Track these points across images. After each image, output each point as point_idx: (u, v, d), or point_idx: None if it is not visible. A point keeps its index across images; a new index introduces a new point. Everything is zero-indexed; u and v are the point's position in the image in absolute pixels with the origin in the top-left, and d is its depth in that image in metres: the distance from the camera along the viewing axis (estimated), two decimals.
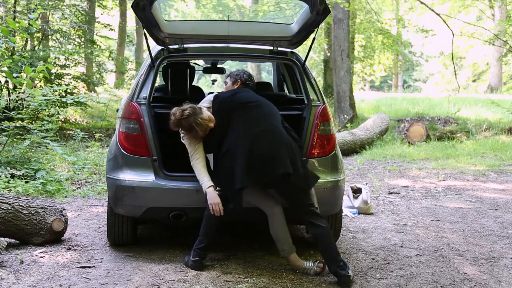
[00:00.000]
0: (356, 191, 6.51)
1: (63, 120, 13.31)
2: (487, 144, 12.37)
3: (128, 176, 4.33)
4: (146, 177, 4.32)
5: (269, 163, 3.99)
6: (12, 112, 8.32)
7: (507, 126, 14.31)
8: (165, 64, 5.21)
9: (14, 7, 11.59)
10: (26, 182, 6.97)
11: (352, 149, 11.79)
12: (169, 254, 4.56)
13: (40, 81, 12.37)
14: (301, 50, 5.68)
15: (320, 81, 22.18)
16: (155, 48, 4.95)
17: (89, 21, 15.86)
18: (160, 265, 4.28)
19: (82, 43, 14.79)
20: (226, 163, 4.06)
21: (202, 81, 37.74)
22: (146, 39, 4.61)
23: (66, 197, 6.87)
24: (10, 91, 10.27)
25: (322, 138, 4.54)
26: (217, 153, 4.21)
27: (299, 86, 5.04)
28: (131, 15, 23.70)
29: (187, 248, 4.40)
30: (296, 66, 4.82)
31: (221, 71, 6.80)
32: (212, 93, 4.73)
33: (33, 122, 8.68)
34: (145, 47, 10.41)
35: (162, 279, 3.97)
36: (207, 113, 4.18)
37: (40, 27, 11.83)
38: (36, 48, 12.70)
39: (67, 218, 4.93)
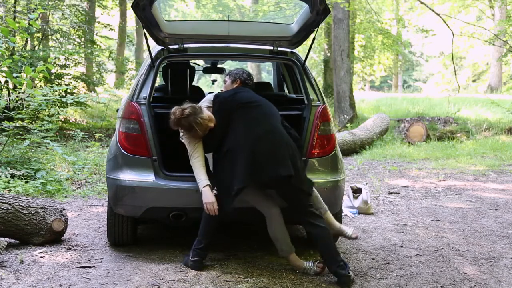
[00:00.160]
0: (356, 191, 6.51)
1: (63, 120, 13.32)
2: (487, 144, 12.37)
3: (128, 176, 4.33)
4: (146, 177, 4.32)
5: (271, 164, 3.99)
6: (12, 112, 8.33)
7: (507, 126, 14.31)
8: (165, 64, 5.21)
9: (14, 7, 11.59)
10: (26, 182, 6.97)
11: (352, 149, 11.79)
12: (169, 254, 4.56)
13: (40, 81, 12.37)
14: (301, 50, 5.68)
15: (320, 81, 22.19)
16: (155, 48, 4.95)
17: (89, 21, 15.86)
18: (160, 265, 4.28)
19: (82, 43, 14.79)
20: (226, 164, 4.06)
21: (202, 81, 37.74)
22: (146, 39, 4.61)
23: (66, 197, 6.87)
24: (10, 91, 10.27)
25: (322, 138, 4.54)
26: (217, 153, 4.21)
27: (299, 86, 5.04)
28: (131, 15, 23.71)
29: (187, 248, 4.40)
30: (296, 66, 4.82)
31: (221, 71, 6.80)
32: (212, 93, 4.73)
33: (33, 122, 8.68)
34: (145, 47, 10.42)
35: (162, 279, 3.97)
36: (207, 113, 4.18)
37: (40, 27, 11.83)
38: (36, 48, 12.70)
39: (67, 218, 4.94)
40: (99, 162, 8.84)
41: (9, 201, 4.68)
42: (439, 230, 5.72)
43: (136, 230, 4.80)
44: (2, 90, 10.29)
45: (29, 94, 8.14)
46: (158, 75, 4.83)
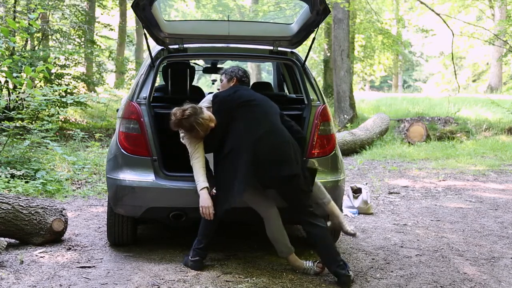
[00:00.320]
0: (356, 191, 6.51)
1: (63, 120, 13.32)
2: (487, 144, 12.37)
3: (128, 176, 4.33)
4: (146, 177, 4.32)
5: (273, 164, 3.99)
6: (12, 112, 8.33)
7: (507, 126, 14.31)
8: (165, 64, 5.21)
9: (14, 7, 11.59)
10: (26, 182, 6.97)
11: (352, 149, 11.79)
12: (169, 254, 4.56)
13: (40, 81, 12.37)
14: (301, 50, 5.68)
15: (320, 81, 22.18)
16: (155, 48, 4.94)
17: (89, 21, 15.86)
18: (160, 265, 4.28)
19: (82, 43, 14.79)
20: (227, 164, 4.05)
21: (202, 81, 37.73)
22: (146, 39, 4.61)
23: (66, 197, 6.87)
24: (10, 91, 10.27)
25: (322, 138, 4.54)
26: (218, 153, 4.21)
27: (299, 86, 5.04)
28: (131, 15, 23.71)
29: (187, 248, 4.40)
30: (296, 66, 4.82)
31: (221, 71, 6.80)
32: (212, 93, 4.73)
33: (33, 122, 8.68)
34: (145, 47, 10.42)
35: (162, 279, 3.97)
36: (207, 113, 4.17)
37: (40, 27, 11.83)
38: (36, 48, 12.70)
39: (67, 218, 4.93)
40: (99, 162, 8.84)
41: (9, 201, 4.68)
42: (439, 230, 5.72)
43: (136, 230, 4.80)
44: (2, 90, 10.29)
45: (29, 94, 8.14)
46: (158, 75, 4.83)
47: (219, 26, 5.04)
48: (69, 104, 11.47)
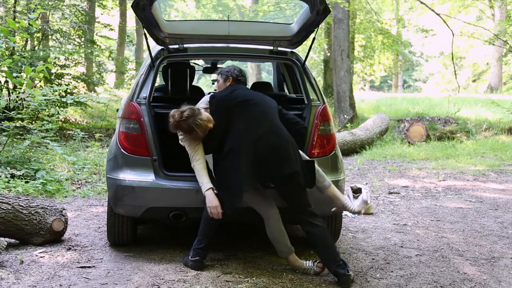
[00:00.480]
0: (356, 191, 6.49)
1: (63, 120, 13.31)
2: (487, 144, 12.36)
3: (128, 176, 4.33)
4: (146, 177, 4.32)
5: (274, 164, 4.00)
6: (12, 112, 8.32)
7: (507, 126, 14.31)
8: (165, 64, 5.21)
9: (14, 7, 11.59)
10: (26, 182, 6.97)
11: (352, 149, 11.79)
12: (169, 254, 4.56)
13: (40, 81, 12.37)
14: (301, 50, 5.68)
15: (320, 81, 22.19)
16: (155, 48, 4.94)
17: (89, 21, 15.86)
18: (160, 265, 4.28)
19: (82, 43, 14.79)
20: (227, 164, 4.05)
21: (202, 81, 37.73)
22: (146, 39, 4.61)
23: (66, 197, 6.87)
24: (10, 91, 10.27)
25: (322, 138, 4.54)
26: (217, 153, 4.21)
27: (299, 86, 5.04)
28: (131, 15, 23.70)
29: (187, 248, 4.40)
30: (296, 66, 4.82)
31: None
32: (211, 93, 4.73)
33: (33, 122, 8.68)
34: (145, 47, 10.42)
35: (162, 279, 3.97)
36: (205, 114, 4.17)
37: (40, 27, 11.83)
38: (36, 48, 12.70)
39: (67, 218, 4.93)
40: (99, 162, 8.84)
41: (9, 201, 4.68)
42: (439, 230, 5.72)
43: (136, 230, 4.80)
44: (2, 90, 10.29)
45: (29, 94, 8.14)
46: (158, 75, 4.82)
47: (219, 26, 5.04)
48: (69, 104, 11.47)
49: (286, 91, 6.57)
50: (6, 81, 10.40)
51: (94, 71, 17.42)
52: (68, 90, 12.01)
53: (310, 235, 4.10)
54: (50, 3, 12.66)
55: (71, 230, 5.25)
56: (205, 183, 4.07)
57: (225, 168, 4.06)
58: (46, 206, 4.85)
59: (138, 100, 4.47)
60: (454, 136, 13.38)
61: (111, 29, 17.75)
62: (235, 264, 4.35)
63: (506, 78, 32.15)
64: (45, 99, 8.45)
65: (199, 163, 4.13)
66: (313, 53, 25.52)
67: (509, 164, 10.31)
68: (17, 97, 9.01)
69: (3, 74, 9.21)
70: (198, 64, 7.06)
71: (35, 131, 7.97)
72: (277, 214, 4.16)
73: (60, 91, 11.54)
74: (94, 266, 4.25)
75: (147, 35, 4.61)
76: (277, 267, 4.31)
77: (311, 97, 4.64)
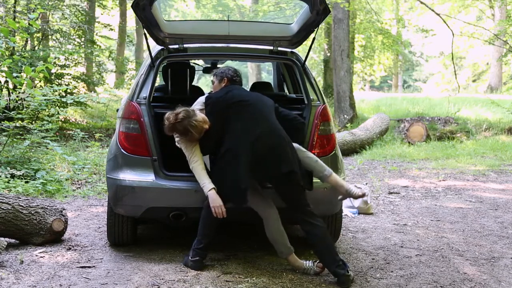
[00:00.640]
0: None
1: (63, 120, 13.31)
2: (487, 144, 12.37)
3: (128, 176, 4.33)
4: (146, 177, 4.32)
5: (273, 163, 4.01)
6: (12, 112, 8.32)
7: (507, 126, 14.31)
8: (165, 64, 5.21)
9: (14, 7, 11.59)
10: (26, 182, 6.97)
11: (352, 149, 11.79)
12: (169, 254, 4.56)
13: (40, 81, 12.37)
14: (301, 50, 5.68)
15: (320, 81, 22.19)
16: (155, 48, 4.94)
17: (89, 21, 15.85)
18: (160, 265, 4.28)
19: (82, 43, 14.79)
20: (225, 164, 4.05)
21: (202, 81, 37.73)
22: (146, 39, 4.61)
23: (66, 197, 6.87)
24: (10, 91, 10.27)
25: (322, 138, 4.54)
26: (214, 154, 4.20)
27: (299, 86, 5.04)
28: (131, 15, 23.70)
29: (187, 248, 4.40)
30: (296, 66, 4.82)
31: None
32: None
33: (33, 122, 8.68)
34: (145, 47, 10.42)
35: (162, 279, 3.97)
36: (201, 115, 4.17)
37: (40, 27, 11.83)
38: (36, 48, 12.70)
39: (67, 218, 4.93)
40: (99, 162, 8.84)
41: (9, 201, 4.68)
42: (439, 230, 5.72)
43: (136, 230, 4.80)
44: (2, 90, 10.28)
45: (29, 94, 8.14)
46: (158, 75, 4.83)
47: (219, 26, 5.04)
48: (69, 104, 11.47)
49: (286, 91, 6.57)
50: (6, 81, 10.40)
51: (94, 71, 17.42)
52: (68, 90, 12.01)
53: (309, 235, 4.10)
54: (50, 3, 12.66)
55: (71, 230, 5.25)
56: (206, 183, 4.07)
57: (223, 168, 4.07)
58: (46, 206, 4.85)
59: (138, 100, 4.47)
60: (454, 136, 13.38)
61: (111, 29, 17.75)
62: (235, 264, 4.35)
63: (506, 78, 32.15)
64: (45, 99, 8.45)
65: (198, 164, 4.14)
66: (313, 53, 25.52)
67: (509, 164, 10.31)
68: (17, 97, 9.01)
69: (3, 74, 9.20)
70: (198, 64, 7.06)
71: (35, 131, 7.97)
72: (276, 214, 4.16)
73: (60, 91, 11.54)
74: (94, 266, 4.25)
75: (147, 35, 4.61)
76: (277, 267, 4.31)
77: (311, 97, 4.64)
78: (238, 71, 4.59)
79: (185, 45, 4.85)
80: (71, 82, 13.32)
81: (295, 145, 4.24)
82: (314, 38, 4.99)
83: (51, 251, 4.60)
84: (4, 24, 10.27)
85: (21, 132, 8.42)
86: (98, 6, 18.54)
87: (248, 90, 5.13)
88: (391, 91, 37.53)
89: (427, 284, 4.05)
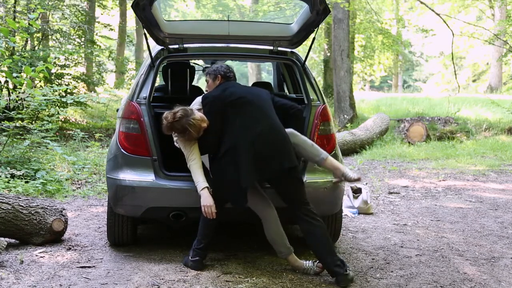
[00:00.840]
0: (356, 191, 6.51)
1: (63, 120, 13.31)
2: (487, 144, 12.37)
3: (128, 176, 4.33)
4: (146, 177, 4.32)
5: (275, 159, 4.01)
6: (12, 112, 8.32)
7: (507, 126, 14.31)
8: (165, 64, 5.21)
9: (14, 7, 11.59)
10: (26, 182, 6.97)
11: (352, 149, 11.79)
12: (169, 254, 4.56)
13: (40, 81, 12.37)
14: (301, 50, 5.68)
15: (320, 81, 22.19)
16: (155, 48, 4.94)
17: (89, 21, 15.86)
18: (160, 265, 4.28)
19: (82, 43, 14.79)
20: (225, 164, 4.05)
21: (202, 81, 37.72)
22: (146, 39, 4.61)
23: (66, 197, 6.87)
24: (10, 91, 10.27)
25: (322, 138, 4.54)
26: (214, 152, 4.20)
27: (299, 86, 5.04)
28: (131, 15, 23.70)
29: (187, 248, 4.40)
30: (296, 66, 4.82)
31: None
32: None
33: (33, 122, 8.68)
34: (145, 47, 10.42)
35: (162, 279, 3.97)
36: (199, 114, 4.17)
37: (40, 27, 11.83)
38: (36, 48, 12.70)
39: (67, 218, 4.93)
40: (99, 162, 8.84)
41: (9, 201, 4.68)
42: (439, 230, 5.72)
43: (136, 230, 4.80)
44: (2, 90, 10.29)
45: (29, 94, 8.14)
46: (158, 75, 4.83)
47: (219, 26, 5.04)
48: (69, 104, 11.47)
49: (286, 91, 6.57)
50: (6, 81, 10.40)
51: (94, 71, 17.41)
52: (68, 90, 12.01)
53: (308, 235, 4.10)
54: (50, 3, 12.66)
55: (71, 230, 5.25)
56: (200, 182, 4.08)
57: (224, 167, 4.06)
58: (46, 206, 4.85)
59: (138, 100, 4.47)
60: (454, 136, 13.38)
61: (111, 29, 17.75)
62: (235, 264, 4.35)
63: (506, 78, 32.15)
64: (45, 99, 8.44)
65: (195, 163, 4.14)
66: (313, 53, 25.52)
67: (509, 164, 10.31)
68: (17, 97, 9.01)
69: (3, 74, 9.21)
70: (198, 64, 7.06)
71: (35, 131, 7.97)
72: (275, 214, 4.16)
73: (60, 91, 11.54)
74: (94, 266, 4.25)
75: (147, 35, 4.61)
76: (277, 267, 4.31)
77: (311, 97, 4.64)
78: (230, 67, 4.56)
79: (185, 45, 4.84)
80: (71, 82, 13.32)
81: (290, 130, 4.23)
82: (314, 38, 4.99)
83: (51, 251, 4.60)
84: (4, 24, 10.27)
85: (21, 132, 8.42)
86: (98, 6, 18.55)
87: None
88: (391, 91, 37.54)
89: (427, 284, 4.05)
